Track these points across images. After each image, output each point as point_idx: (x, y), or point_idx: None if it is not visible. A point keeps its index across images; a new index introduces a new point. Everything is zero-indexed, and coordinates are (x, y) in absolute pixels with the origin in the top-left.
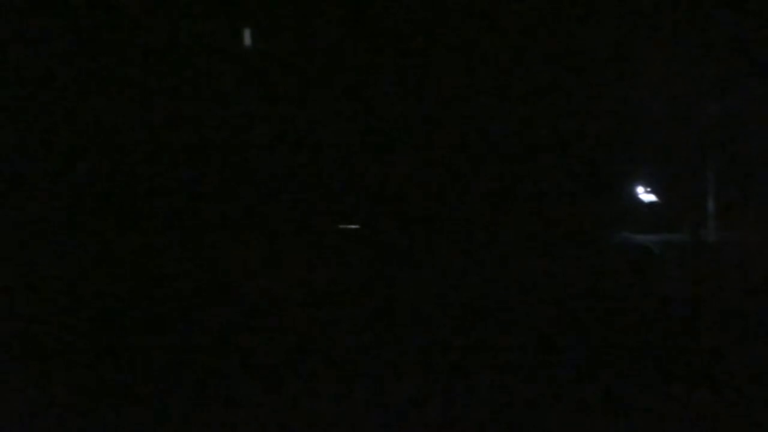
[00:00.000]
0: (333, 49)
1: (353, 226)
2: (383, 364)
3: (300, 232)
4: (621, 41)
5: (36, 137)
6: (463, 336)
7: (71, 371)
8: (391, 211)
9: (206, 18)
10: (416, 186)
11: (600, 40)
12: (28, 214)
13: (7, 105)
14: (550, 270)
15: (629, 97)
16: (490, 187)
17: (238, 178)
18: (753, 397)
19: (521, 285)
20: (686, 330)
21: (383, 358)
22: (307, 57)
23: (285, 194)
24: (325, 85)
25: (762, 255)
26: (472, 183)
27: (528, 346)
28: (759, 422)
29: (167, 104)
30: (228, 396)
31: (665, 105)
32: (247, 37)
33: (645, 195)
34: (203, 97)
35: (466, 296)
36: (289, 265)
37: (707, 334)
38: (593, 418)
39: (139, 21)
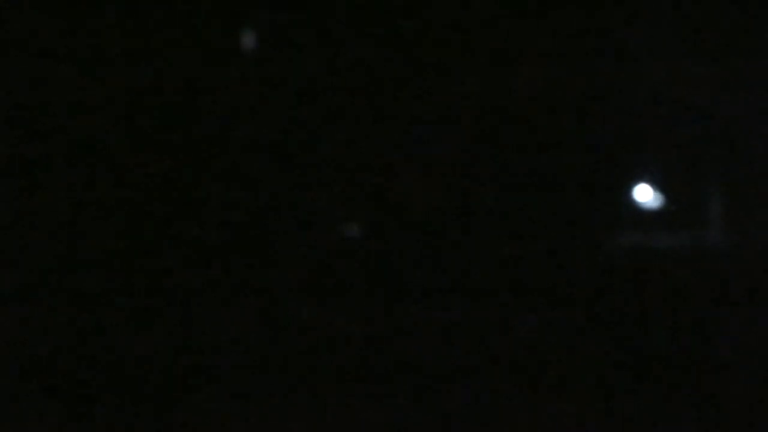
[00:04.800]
0: (337, 47)
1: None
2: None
3: (298, 237)
4: (626, 38)
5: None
6: (462, 338)
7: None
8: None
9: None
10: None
11: (604, 37)
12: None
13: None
14: (549, 272)
15: (633, 94)
16: (490, 186)
17: (234, 179)
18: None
19: (520, 287)
20: (680, 335)
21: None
22: (309, 56)
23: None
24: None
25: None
26: (472, 182)
27: (527, 350)
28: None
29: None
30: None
31: (671, 102)
32: (247, 38)
33: (648, 193)
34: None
35: (467, 298)
36: (286, 271)
37: (702, 338)
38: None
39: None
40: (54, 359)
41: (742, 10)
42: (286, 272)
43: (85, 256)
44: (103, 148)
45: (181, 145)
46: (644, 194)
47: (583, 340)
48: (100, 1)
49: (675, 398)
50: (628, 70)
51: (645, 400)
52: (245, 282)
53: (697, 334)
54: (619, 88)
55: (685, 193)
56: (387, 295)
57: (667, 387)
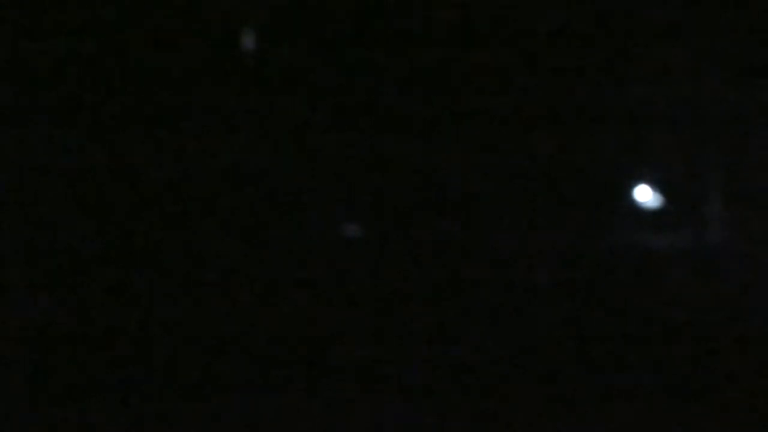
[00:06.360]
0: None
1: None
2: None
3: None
4: (626, 37)
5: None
6: (460, 338)
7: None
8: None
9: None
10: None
11: (603, 36)
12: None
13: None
14: (548, 272)
15: (633, 94)
16: (489, 186)
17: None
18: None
19: (519, 287)
20: (674, 336)
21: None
22: (309, 56)
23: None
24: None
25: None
26: (471, 181)
27: (526, 350)
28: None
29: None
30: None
31: (671, 102)
32: (247, 38)
33: (648, 193)
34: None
35: (464, 298)
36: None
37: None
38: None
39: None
40: (54, 356)
41: (743, 9)
42: (286, 272)
43: (87, 252)
44: (102, 149)
45: (179, 146)
46: (644, 194)
47: (581, 341)
48: (99, 0)
49: (674, 399)
50: (627, 70)
51: (644, 401)
52: (245, 281)
53: (697, 335)
54: (619, 88)
55: (685, 193)
56: (387, 295)
57: (667, 387)
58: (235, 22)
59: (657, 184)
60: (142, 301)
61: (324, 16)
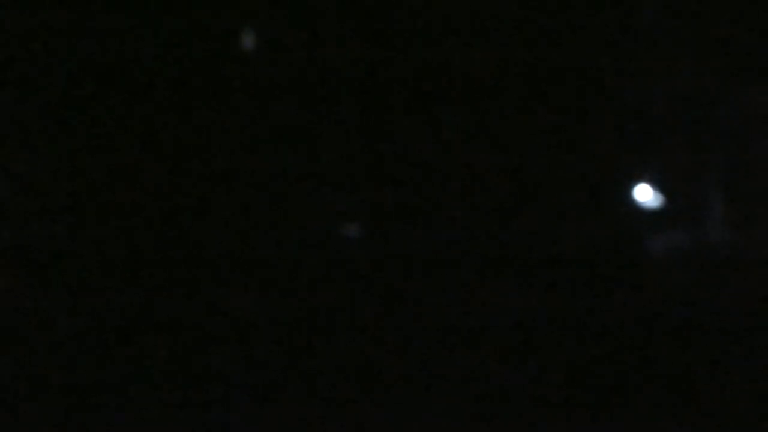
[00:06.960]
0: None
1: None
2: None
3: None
4: (626, 38)
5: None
6: (462, 339)
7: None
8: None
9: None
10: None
11: (604, 37)
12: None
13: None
14: (549, 272)
15: (634, 94)
16: (490, 186)
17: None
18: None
19: (519, 288)
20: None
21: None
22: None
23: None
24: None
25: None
26: (470, 181)
27: (525, 350)
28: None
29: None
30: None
31: (671, 102)
32: (247, 38)
33: (648, 193)
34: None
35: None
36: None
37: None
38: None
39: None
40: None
41: (743, 9)
42: (286, 272)
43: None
44: (102, 149)
45: (179, 145)
46: (644, 194)
47: (582, 341)
48: (99, 1)
49: (675, 400)
50: (628, 69)
51: (645, 402)
52: (245, 282)
53: (697, 335)
54: (620, 87)
55: (685, 193)
56: (387, 295)
57: (668, 388)
58: (235, 22)
59: (657, 184)
60: (142, 301)
61: (323, 15)
